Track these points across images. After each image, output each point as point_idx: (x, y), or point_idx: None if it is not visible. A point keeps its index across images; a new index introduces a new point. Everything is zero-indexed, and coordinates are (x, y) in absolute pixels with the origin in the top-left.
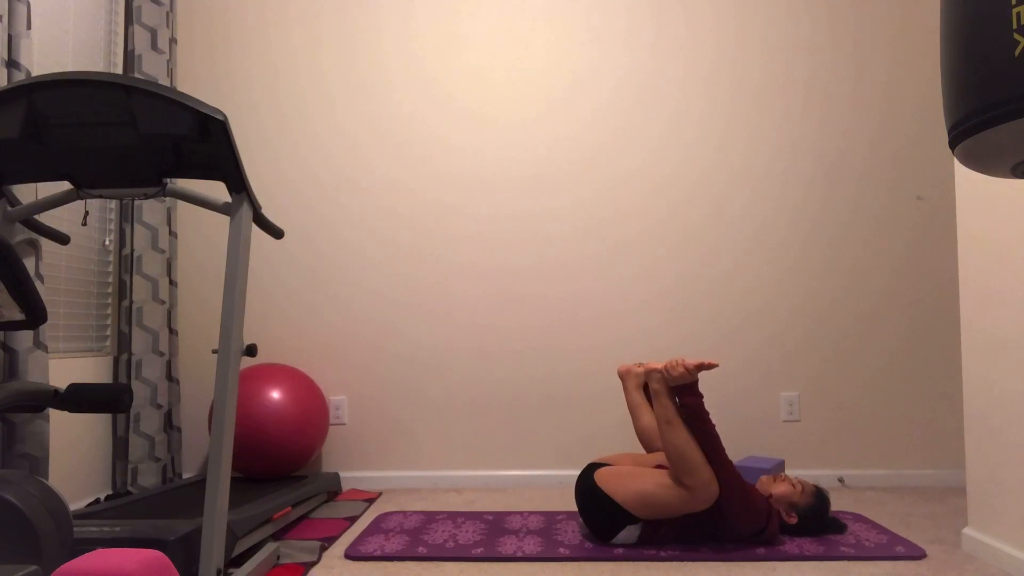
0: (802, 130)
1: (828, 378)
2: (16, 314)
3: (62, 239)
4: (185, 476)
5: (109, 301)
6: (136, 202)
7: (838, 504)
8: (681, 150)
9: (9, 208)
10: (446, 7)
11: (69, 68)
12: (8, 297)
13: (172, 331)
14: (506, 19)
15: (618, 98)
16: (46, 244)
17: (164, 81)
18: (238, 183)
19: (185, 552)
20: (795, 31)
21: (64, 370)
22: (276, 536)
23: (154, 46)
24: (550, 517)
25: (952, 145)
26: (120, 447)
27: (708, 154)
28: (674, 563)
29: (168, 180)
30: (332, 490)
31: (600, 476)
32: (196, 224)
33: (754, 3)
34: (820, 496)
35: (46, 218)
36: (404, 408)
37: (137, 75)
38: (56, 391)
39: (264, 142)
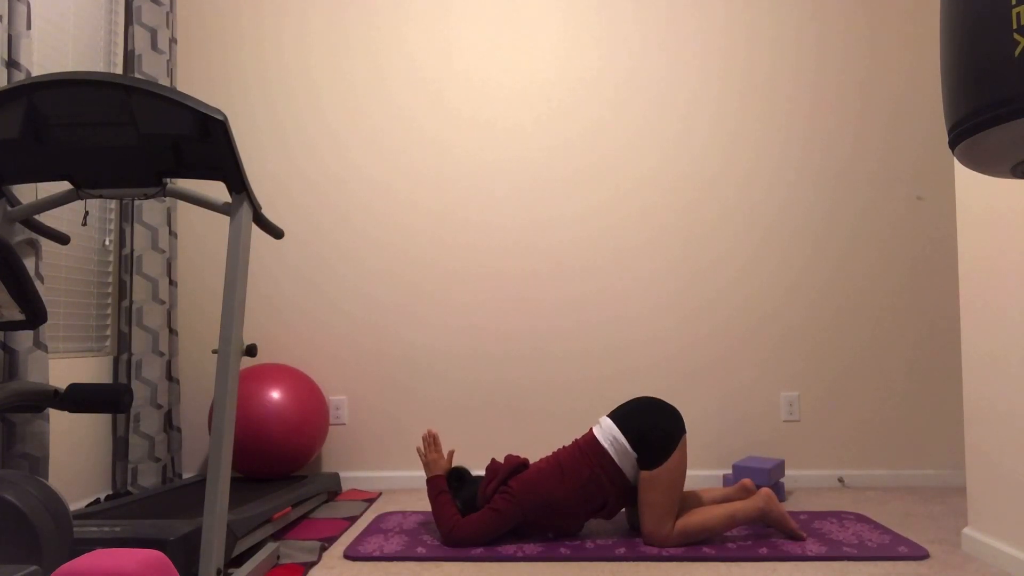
0: (811, 133)
1: (828, 378)
2: (16, 314)
3: (62, 239)
4: (185, 476)
5: (109, 301)
6: (136, 202)
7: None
8: (689, 155)
9: (9, 208)
10: (444, 8)
11: (69, 68)
12: (8, 297)
13: (172, 331)
14: (508, 20)
15: (624, 103)
16: (46, 244)
17: (164, 81)
18: (238, 183)
19: (185, 552)
20: (805, 33)
21: (64, 370)
22: (276, 536)
23: (154, 46)
24: None
25: (952, 145)
26: (120, 447)
27: (716, 158)
28: (674, 563)
29: (168, 180)
30: (332, 490)
31: None
32: (196, 224)
33: (764, 5)
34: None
35: (46, 218)
36: (404, 408)
37: (137, 75)
38: (56, 391)
39: (261, 143)
